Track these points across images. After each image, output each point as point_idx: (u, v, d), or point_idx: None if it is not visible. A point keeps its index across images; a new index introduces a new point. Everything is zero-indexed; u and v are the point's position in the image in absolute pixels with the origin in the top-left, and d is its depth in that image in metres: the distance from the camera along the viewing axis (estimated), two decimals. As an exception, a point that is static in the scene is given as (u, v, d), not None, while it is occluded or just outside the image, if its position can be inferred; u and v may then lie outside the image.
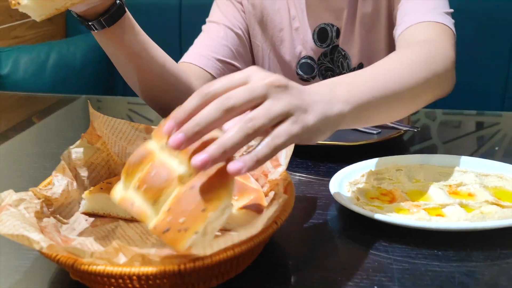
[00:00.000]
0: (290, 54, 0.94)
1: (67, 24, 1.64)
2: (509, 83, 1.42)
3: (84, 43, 1.49)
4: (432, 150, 0.72)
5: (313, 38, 0.92)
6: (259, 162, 0.37)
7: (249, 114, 0.38)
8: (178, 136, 0.36)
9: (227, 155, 0.36)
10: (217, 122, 0.37)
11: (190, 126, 0.36)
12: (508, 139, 0.77)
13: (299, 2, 0.91)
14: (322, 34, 0.92)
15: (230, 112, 0.37)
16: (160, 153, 0.39)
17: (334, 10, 0.90)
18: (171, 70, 0.75)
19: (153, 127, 0.56)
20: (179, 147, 0.36)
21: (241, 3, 0.93)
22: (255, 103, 0.38)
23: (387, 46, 0.90)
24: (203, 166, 0.35)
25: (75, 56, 1.43)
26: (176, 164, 0.37)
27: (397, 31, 0.75)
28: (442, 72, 0.60)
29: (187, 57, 0.87)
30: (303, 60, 0.95)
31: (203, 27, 0.94)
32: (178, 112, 0.38)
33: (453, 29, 0.72)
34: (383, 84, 0.51)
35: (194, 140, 0.37)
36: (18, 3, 0.44)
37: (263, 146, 0.38)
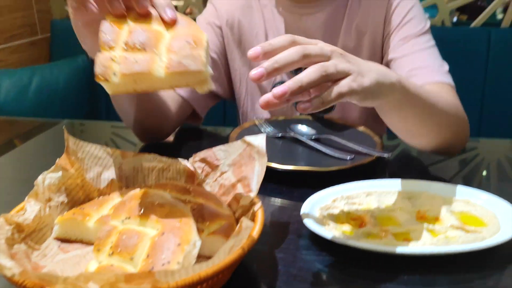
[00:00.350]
0: (266, 81, 0.97)
1: (51, 48, 1.65)
2: (484, 110, 1.46)
3: (67, 67, 1.50)
4: (405, 175, 0.74)
5: None
6: (325, 104, 0.47)
7: (320, 63, 0.47)
8: (259, 70, 0.46)
9: (302, 90, 0.46)
10: (293, 65, 0.47)
11: (271, 63, 0.46)
12: (484, 164, 0.80)
13: (277, 28, 0.94)
14: None
15: (305, 59, 0.47)
16: (124, 225, 0.44)
17: (312, 36, 0.93)
18: (162, 99, 0.81)
19: (128, 152, 0.57)
20: (260, 79, 0.46)
21: (220, 28, 0.96)
22: (325, 58, 0.48)
23: None
24: (283, 95, 0.45)
25: (58, 80, 1.44)
26: (143, 228, 0.43)
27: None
28: (461, 133, 0.73)
29: None
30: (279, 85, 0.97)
31: None
32: (267, 44, 0.47)
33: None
34: (425, 94, 0.62)
35: (272, 75, 0.47)
36: (107, 80, 0.44)
37: (329, 92, 0.47)
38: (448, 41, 1.41)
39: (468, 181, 0.71)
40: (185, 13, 1.66)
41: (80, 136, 0.96)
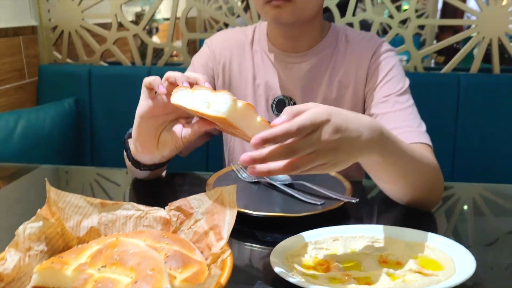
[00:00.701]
0: None
1: (38, 92, 1.69)
2: (456, 153, 1.52)
3: (53, 111, 1.54)
4: (372, 220, 0.78)
5: (272, 106, 1.00)
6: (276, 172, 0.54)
7: (300, 157, 0.54)
8: (247, 156, 0.52)
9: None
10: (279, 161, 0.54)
11: (260, 156, 0.52)
12: (447, 210, 0.84)
13: (265, 74, 1.00)
14: (279, 105, 1.01)
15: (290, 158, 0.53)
16: (100, 273, 0.47)
17: (294, 87, 0.99)
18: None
19: (107, 201, 0.60)
20: (246, 163, 0.52)
21: (213, 70, 1.04)
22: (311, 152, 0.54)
23: None
24: (249, 162, 0.52)
25: (44, 124, 1.47)
26: (117, 276, 0.45)
27: None
28: (436, 193, 0.78)
29: None
30: None
31: None
32: (267, 135, 0.51)
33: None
34: (408, 153, 0.69)
35: (258, 163, 0.53)
36: None
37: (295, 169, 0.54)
38: (421, 86, 1.49)
39: (431, 226, 0.75)
40: (171, 56, 1.73)
41: (65, 182, 0.99)
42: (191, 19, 4.35)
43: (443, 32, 4.91)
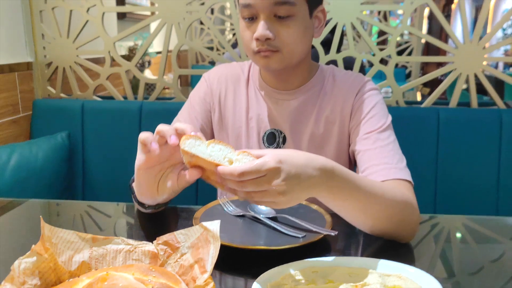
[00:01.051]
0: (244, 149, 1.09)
1: (32, 126, 1.73)
2: (438, 186, 1.57)
3: (46, 144, 1.57)
4: (350, 251, 0.82)
5: (263, 139, 1.06)
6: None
7: (254, 192, 0.65)
8: (220, 170, 0.64)
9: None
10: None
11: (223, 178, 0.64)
12: (441, 238, 0.88)
13: (257, 108, 1.06)
14: (270, 138, 1.06)
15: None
16: None
17: (284, 121, 1.04)
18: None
19: (99, 236, 0.63)
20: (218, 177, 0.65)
21: (209, 103, 1.10)
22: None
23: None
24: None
25: (37, 157, 1.51)
26: None
27: None
28: (407, 227, 0.81)
29: None
30: None
31: None
32: (220, 170, 0.64)
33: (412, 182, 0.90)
34: (365, 188, 0.74)
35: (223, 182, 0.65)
36: None
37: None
38: (402, 120, 1.55)
39: (409, 257, 0.79)
40: (164, 88, 1.78)
41: (56, 215, 1.02)
42: (183, 51, 4.45)
43: (428, 64, 5.09)
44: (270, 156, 0.64)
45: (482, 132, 1.58)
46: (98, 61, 1.83)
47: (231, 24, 4.90)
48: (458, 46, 1.61)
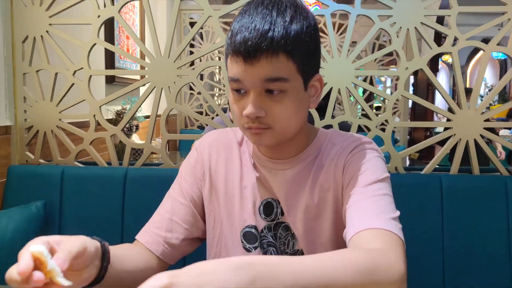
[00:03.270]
0: (238, 221, 0.97)
1: (5, 194, 1.60)
2: (445, 259, 1.46)
3: (19, 215, 1.44)
4: None
5: (259, 209, 0.95)
6: None
7: None
8: None
9: None
10: None
11: None
12: None
13: (252, 174, 0.97)
14: (267, 208, 0.95)
15: None
16: None
17: (279, 190, 0.94)
18: (135, 271, 0.87)
19: None
20: None
21: (201, 173, 1.01)
22: None
23: (333, 234, 0.93)
24: None
25: (6, 230, 1.36)
26: None
27: (347, 236, 0.78)
28: (385, 285, 0.62)
29: (139, 235, 0.97)
30: (247, 229, 0.96)
31: None
32: None
33: (402, 236, 0.75)
34: (308, 278, 0.55)
35: None
36: None
37: None
38: (402, 187, 1.47)
39: None
40: (152, 153, 1.68)
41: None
42: (172, 116, 4.42)
43: (416, 128, 5.15)
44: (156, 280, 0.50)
45: (488, 200, 1.50)
46: (82, 125, 1.74)
47: (219, 90, 4.94)
48: (456, 111, 1.57)
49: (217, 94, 5.00)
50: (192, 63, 4.37)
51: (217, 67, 4.96)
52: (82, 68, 1.63)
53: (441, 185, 1.51)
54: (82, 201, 1.56)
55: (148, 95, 1.63)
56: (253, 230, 0.96)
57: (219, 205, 0.99)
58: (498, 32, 1.55)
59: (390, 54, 4.72)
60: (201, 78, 4.75)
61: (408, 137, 3.93)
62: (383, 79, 6.76)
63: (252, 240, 0.96)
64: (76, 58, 1.64)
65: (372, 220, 0.76)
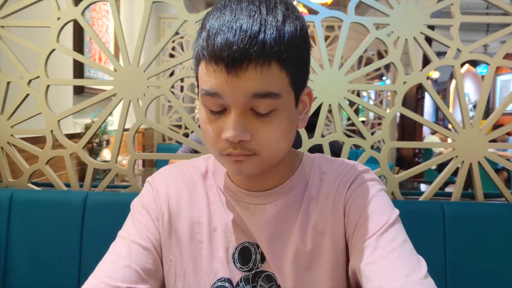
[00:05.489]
0: (207, 273, 0.76)
1: None
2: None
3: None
4: None
5: (233, 257, 0.75)
6: None
7: None
8: None
9: None
10: None
11: None
12: None
13: (223, 213, 0.78)
14: (243, 255, 0.76)
15: None
16: None
17: (258, 233, 0.76)
18: None
19: None
20: None
21: (157, 212, 0.80)
22: None
23: (332, 287, 0.75)
24: None
25: None
26: None
27: None
28: None
29: (86, 285, 0.73)
30: (219, 284, 0.76)
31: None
32: None
33: None
34: None
35: None
36: None
37: None
38: (402, 216, 1.30)
39: None
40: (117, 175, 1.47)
41: None
42: (150, 129, 4.20)
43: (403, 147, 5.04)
44: None
45: (495, 229, 1.35)
46: (38, 140, 1.53)
47: (201, 102, 4.74)
48: (459, 131, 1.41)
49: (198, 107, 4.81)
50: (171, 75, 4.18)
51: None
52: (38, 77, 1.42)
53: (444, 213, 1.35)
54: (33, 231, 1.34)
55: (114, 108, 1.43)
56: (227, 284, 0.76)
57: (181, 255, 0.79)
58: (500, 45, 1.41)
59: (377, 68, 4.62)
60: (181, 90, 4.55)
61: (396, 153, 3.80)
62: (365, 93, 6.69)
63: None
64: (35, 66, 1.43)
65: (409, 283, 0.64)
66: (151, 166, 3.89)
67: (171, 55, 4.36)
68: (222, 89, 0.64)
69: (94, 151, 2.63)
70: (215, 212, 0.80)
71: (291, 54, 0.64)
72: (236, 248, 0.77)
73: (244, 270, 0.77)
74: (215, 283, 0.77)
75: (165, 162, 3.20)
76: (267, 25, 0.62)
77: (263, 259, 0.77)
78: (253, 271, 0.77)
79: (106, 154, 2.70)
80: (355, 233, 0.73)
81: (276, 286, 0.76)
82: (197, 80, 0.71)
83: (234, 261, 0.77)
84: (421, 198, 1.46)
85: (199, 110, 0.71)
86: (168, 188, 0.82)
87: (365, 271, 0.67)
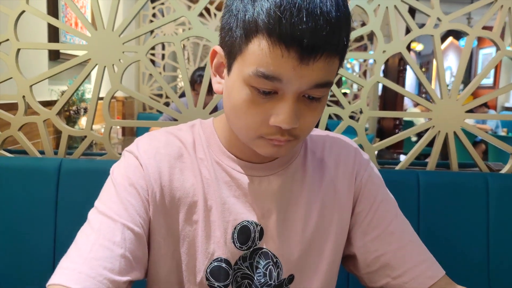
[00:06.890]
0: (201, 254, 0.73)
1: None
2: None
3: None
4: None
5: (233, 237, 0.74)
6: None
7: None
8: None
9: None
10: None
11: None
12: None
13: (219, 189, 0.74)
14: (243, 234, 0.74)
15: None
16: None
17: (262, 210, 0.75)
18: None
19: None
20: None
21: (147, 190, 0.72)
22: None
23: (331, 262, 0.79)
24: None
25: None
26: None
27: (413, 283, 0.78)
28: None
29: (66, 277, 0.62)
30: (216, 263, 0.74)
31: (91, 216, 0.70)
32: None
33: None
34: None
35: None
36: None
37: None
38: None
39: None
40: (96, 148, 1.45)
41: None
42: (129, 98, 4.13)
43: (384, 118, 5.08)
44: None
45: (467, 198, 1.38)
46: (13, 107, 1.49)
47: (183, 71, 4.67)
48: (436, 101, 1.42)
49: (180, 77, 4.74)
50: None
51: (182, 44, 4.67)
52: (7, 40, 1.37)
53: (418, 181, 1.38)
54: (6, 198, 1.32)
55: (89, 74, 1.40)
56: (224, 265, 0.74)
57: (174, 236, 0.74)
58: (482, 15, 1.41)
59: (359, 39, 4.59)
60: (162, 58, 4.46)
61: (377, 125, 3.84)
62: (349, 65, 6.66)
63: (222, 277, 0.73)
64: (5, 30, 1.37)
65: (434, 266, 0.84)
66: (131, 135, 3.84)
67: (152, 22, 4.26)
68: (288, 76, 0.58)
69: (71, 119, 2.58)
70: (210, 189, 0.74)
71: (348, 41, 0.62)
72: (235, 228, 0.74)
73: (243, 249, 0.74)
74: (211, 263, 0.74)
75: (145, 130, 3.16)
76: (339, 9, 0.56)
77: (261, 235, 0.75)
78: (251, 249, 0.75)
79: (84, 122, 2.65)
80: (373, 219, 0.80)
81: (274, 263, 0.75)
82: (231, 49, 0.63)
83: (233, 241, 0.74)
84: (397, 168, 1.47)
85: (232, 88, 0.65)
86: (158, 164, 0.74)
87: (400, 255, 0.78)
